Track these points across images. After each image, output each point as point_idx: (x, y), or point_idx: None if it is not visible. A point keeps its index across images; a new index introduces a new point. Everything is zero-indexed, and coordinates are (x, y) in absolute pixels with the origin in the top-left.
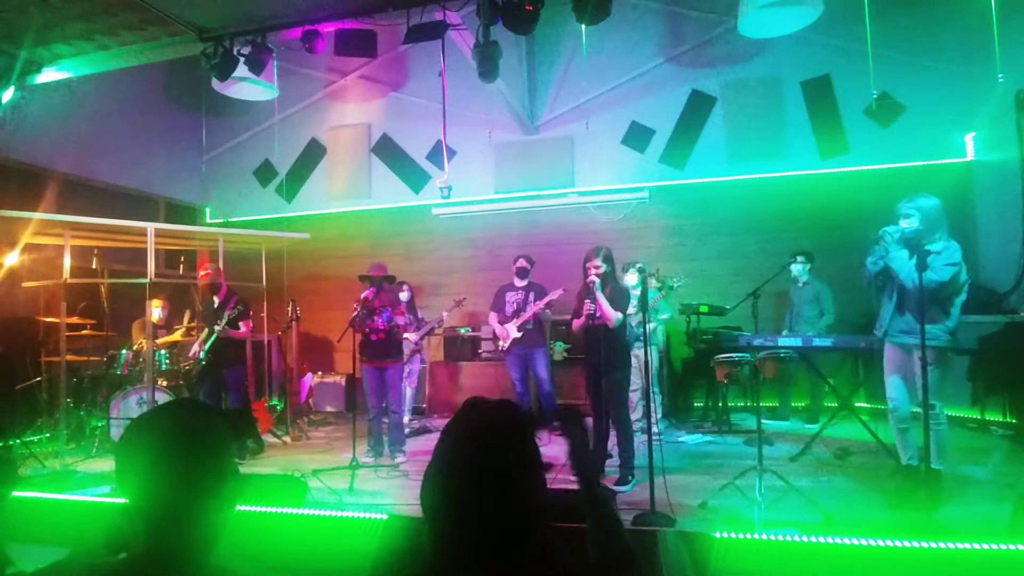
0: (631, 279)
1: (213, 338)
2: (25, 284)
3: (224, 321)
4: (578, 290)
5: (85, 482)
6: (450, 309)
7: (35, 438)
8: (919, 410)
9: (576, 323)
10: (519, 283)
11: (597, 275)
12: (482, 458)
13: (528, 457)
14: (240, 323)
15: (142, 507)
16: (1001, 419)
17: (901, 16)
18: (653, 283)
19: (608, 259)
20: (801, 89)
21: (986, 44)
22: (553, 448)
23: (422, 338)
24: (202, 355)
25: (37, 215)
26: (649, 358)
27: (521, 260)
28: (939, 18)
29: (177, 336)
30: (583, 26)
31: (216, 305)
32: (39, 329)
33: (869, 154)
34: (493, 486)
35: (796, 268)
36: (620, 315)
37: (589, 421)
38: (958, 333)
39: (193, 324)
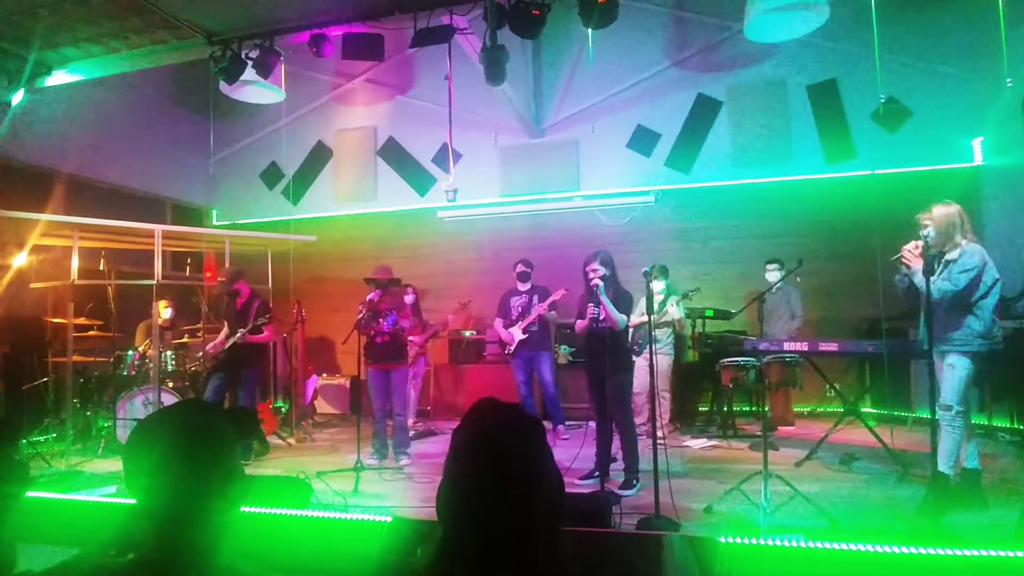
0: (658, 286)
1: (232, 340)
2: (33, 285)
3: (248, 327)
4: (580, 293)
5: (91, 482)
6: (455, 312)
7: (41, 438)
8: (945, 413)
9: (580, 324)
10: (522, 287)
11: (600, 278)
12: (492, 462)
13: (539, 458)
14: (263, 328)
15: (149, 508)
16: (1008, 425)
17: (908, 20)
18: (660, 285)
19: (607, 263)
20: (807, 93)
21: (994, 48)
22: (560, 452)
23: (426, 341)
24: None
25: (45, 216)
26: (655, 361)
27: (520, 265)
28: (946, 22)
29: (184, 340)
30: (589, 30)
31: (239, 308)
32: (46, 330)
33: (876, 159)
34: (504, 490)
35: (771, 275)
36: (625, 318)
37: (592, 425)
38: (996, 334)
39: (200, 325)
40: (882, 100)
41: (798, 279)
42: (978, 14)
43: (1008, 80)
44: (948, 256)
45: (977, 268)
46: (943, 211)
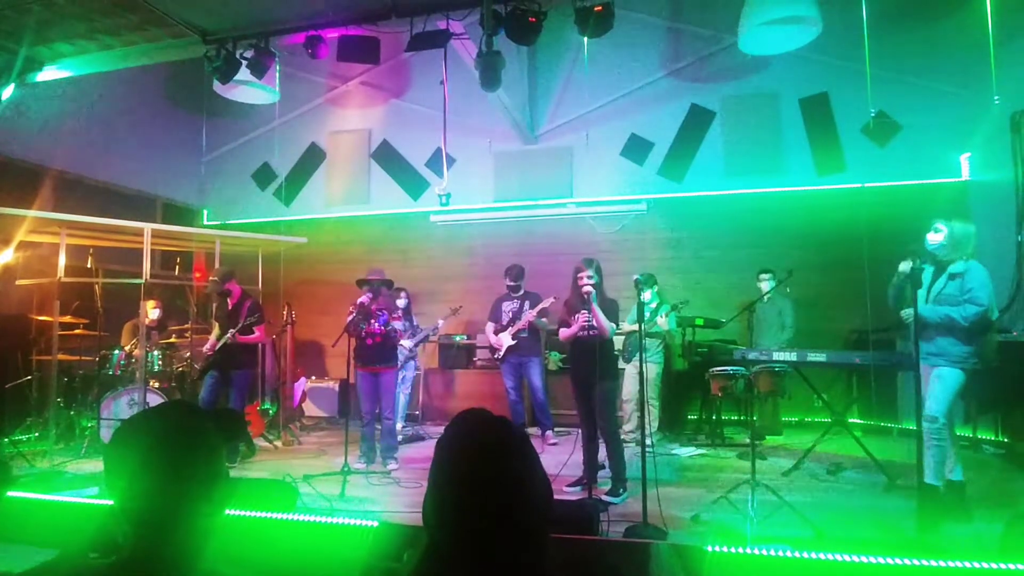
0: (647, 296)
1: (222, 341)
2: (19, 282)
3: (239, 327)
4: (566, 299)
5: (74, 483)
6: (446, 317)
7: (24, 437)
8: (930, 425)
9: (564, 333)
10: (514, 293)
11: (592, 286)
12: (473, 473)
13: (522, 469)
14: (255, 328)
15: (130, 510)
16: (993, 437)
17: (899, 37)
18: (647, 294)
19: (598, 271)
20: (799, 106)
21: (982, 66)
22: (548, 458)
23: (417, 345)
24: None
25: (33, 213)
26: (644, 368)
27: (507, 278)
28: (937, 39)
29: (171, 340)
30: (585, 39)
31: (230, 308)
32: (32, 327)
33: (865, 172)
34: (487, 501)
35: (764, 285)
36: (614, 326)
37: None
38: (988, 353)
39: (188, 326)
40: (872, 114)
41: (787, 289)
42: (968, 32)
43: (996, 97)
44: (952, 269)
45: (990, 284)
46: (964, 226)
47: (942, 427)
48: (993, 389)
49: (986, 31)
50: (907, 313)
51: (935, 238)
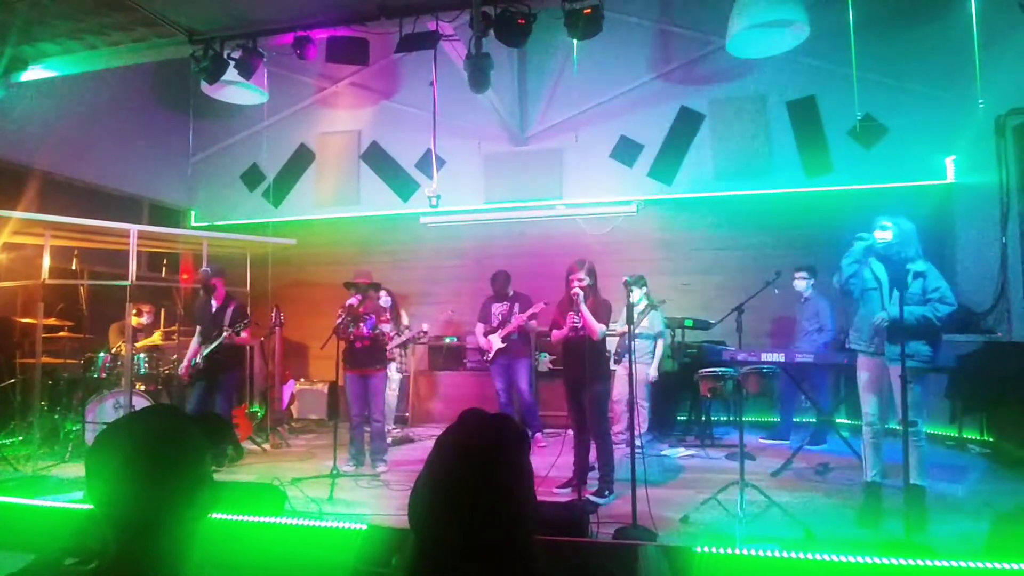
0: (635, 296)
1: (215, 344)
2: (2, 284)
3: (234, 328)
4: (558, 301)
5: (58, 487)
6: (442, 319)
7: (7, 441)
8: (896, 426)
9: (556, 334)
10: (503, 298)
11: (581, 287)
12: (476, 470)
13: (521, 471)
14: (242, 331)
15: (112, 515)
16: (979, 437)
17: (886, 41)
18: (637, 295)
19: (591, 272)
20: (787, 109)
21: (967, 70)
22: (538, 459)
23: (400, 347)
24: (197, 360)
25: (16, 214)
26: (634, 370)
27: (494, 285)
28: (923, 43)
29: (157, 340)
30: (574, 40)
31: (215, 310)
32: (15, 330)
33: (852, 174)
34: (485, 498)
35: (798, 284)
36: (604, 327)
37: (570, 433)
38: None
39: (175, 328)
40: (859, 117)
41: (791, 289)
42: (953, 36)
43: (980, 101)
44: (915, 268)
45: (943, 287)
46: (907, 221)
47: (920, 430)
48: (978, 389)
49: (971, 35)
50: (884, 315)
51: (885, 236)
